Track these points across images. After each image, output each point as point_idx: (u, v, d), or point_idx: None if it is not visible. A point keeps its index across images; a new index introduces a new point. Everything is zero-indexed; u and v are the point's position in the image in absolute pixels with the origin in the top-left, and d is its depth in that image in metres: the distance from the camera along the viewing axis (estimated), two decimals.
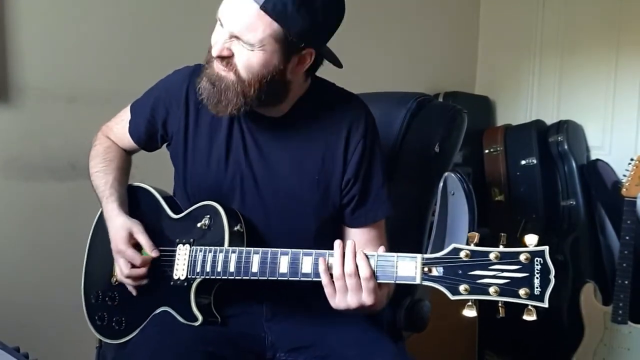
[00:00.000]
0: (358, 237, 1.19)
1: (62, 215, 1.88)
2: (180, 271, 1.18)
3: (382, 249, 1.04)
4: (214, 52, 1.07)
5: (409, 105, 1.52)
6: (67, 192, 1.89)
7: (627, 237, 2.16)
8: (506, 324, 2.89)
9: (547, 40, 2.88)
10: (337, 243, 1.03)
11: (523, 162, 2.70)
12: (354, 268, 1.00)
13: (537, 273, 0.88)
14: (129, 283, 1.22)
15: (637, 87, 2.57)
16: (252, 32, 1.03)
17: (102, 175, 1.31)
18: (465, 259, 0.92)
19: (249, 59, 1.06)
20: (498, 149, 2.78)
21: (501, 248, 0.91)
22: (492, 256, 0.91)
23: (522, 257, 0.89)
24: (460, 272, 0.92)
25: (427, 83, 2.84)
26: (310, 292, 1.18)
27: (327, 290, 1.04)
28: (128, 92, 1.97)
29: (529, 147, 2.69)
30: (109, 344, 1.31)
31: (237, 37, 1.05)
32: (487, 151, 2.82)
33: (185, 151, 1.24)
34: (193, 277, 1.16)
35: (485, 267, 0.91)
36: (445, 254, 0.94)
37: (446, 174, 1.33)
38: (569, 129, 2.66)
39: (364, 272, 1.00)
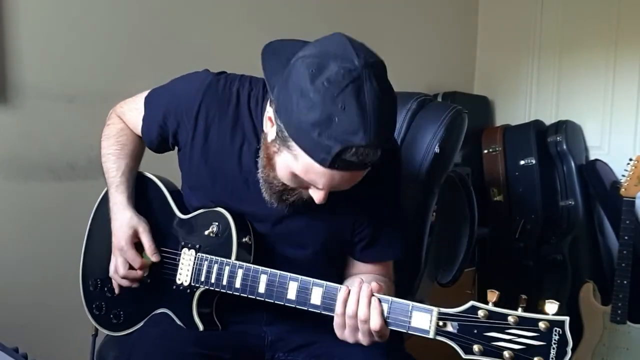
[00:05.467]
0: (364, 270, 1.19)
1: (61, 215, 1.87)
2: (184, 276, 1.17)
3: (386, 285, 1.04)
4: (319, 202, 1.03)
5: (409, 106, 1.51)
6: (66, 192, 1.89)
7: (626, 237, 2.16)
8: None
9: (546, 40, 2.89)
10: (357, 282, 1.01)
11: (522, 162, 2.70)
12: (367, 315, 0.97)
13: (555, 343, 0.86)
14: (119, 282, 1.21)
15: (635, 87, 2.57)
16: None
17: (114, 160, 1.28)
18: (482, 319, 0.90)
19: None
20: (497, 149, 2.78)
21: (520, 312, 0.88)
22: (510, 319, 0.88)
23: (541, 325, 0.87)
24: (475, 331, 0.90)
25: (426, 83, 2.83)
26: None
27: (337, 320, 1.01)
28: (127, 92, 1.96)
29: (528, 147, 2.69)
30: (111, 342, 1.31)
31: None
32: (486, 151, 2.82)
33: (190, 165, 1.21)
34: (196, 285, 1.15)
35: (502, 330, 0.88)
36: (462, 311, 0.92)
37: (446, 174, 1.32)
38: (568, 129, 2.66)
39: (375, 323, 0.97)
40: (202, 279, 1.14)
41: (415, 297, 1.34)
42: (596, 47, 2.69)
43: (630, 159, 2.21)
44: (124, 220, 1.21)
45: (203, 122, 1.16)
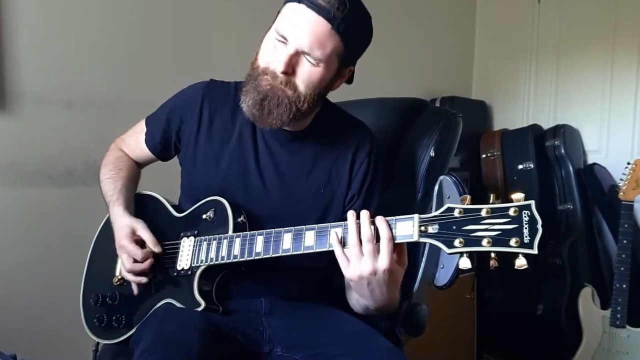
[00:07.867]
0: None
1: (60, 221, 1.88)
2: (184, 262, 1.21)
3: None
4: (281, 68, 1.11)
5: (405, 110, 1.53)
6: (65, 198, 1.90)
7: (625, 241, 2.16)
8: (505, 328, 2.89)
9: (543, 45, 2.90)
10: (351, 213, 1.05)
11: (520, 166, 2.71)
12: (370, 233, 1.02)
13: (526, 224, 0.92)
14: (130, 278, 1.23)
15: (633, 91, 2.58)
16: (322, 49, 1.11)
17: (111, 182, 1.35)
18: (458, 216, 0.97)
19: (311, 74, 1.13)
20: (495, 153, 2.78)
21: (491, 204, 0.96)
22: (483, 212, 0.95)
23: (511, 211, 0.94)
24: (454, 227, 0.97)
25: (424, 88, 2.85)
26: (307, 288, 1.21)
27: (341, 260, 1.05)
28: (125, 98, 1.99)
29: (526, 152, 2.70)
30: (107, 350, 1.30)
31: (304, 53, 1.11)
32: (484, 155, 2.82)
33: (196, 153, 1.29)
34: (197, 265, 1.19)
35: (477, 222, 0.95)
36: (440, 213, 0.98)
37: (441, 177, 1.33)
38: (566, 133, 2.67)
39: (385, 233, 1.01)
40: (202, 257, 1.19)
41: (412, 300, 1.34)
42: (594, 51, 2.70)
43: (628, 163, 2.21)
44: (122, 222, 1.25)
45: (207, 111, 1.28)
